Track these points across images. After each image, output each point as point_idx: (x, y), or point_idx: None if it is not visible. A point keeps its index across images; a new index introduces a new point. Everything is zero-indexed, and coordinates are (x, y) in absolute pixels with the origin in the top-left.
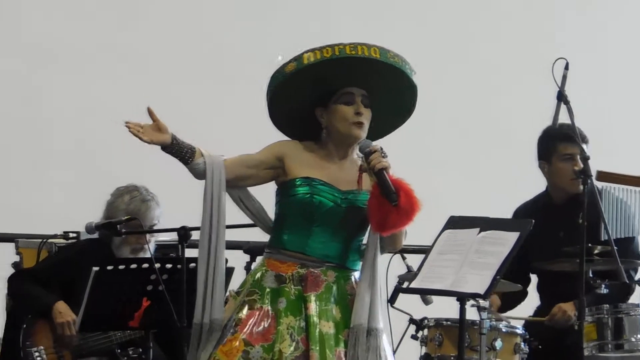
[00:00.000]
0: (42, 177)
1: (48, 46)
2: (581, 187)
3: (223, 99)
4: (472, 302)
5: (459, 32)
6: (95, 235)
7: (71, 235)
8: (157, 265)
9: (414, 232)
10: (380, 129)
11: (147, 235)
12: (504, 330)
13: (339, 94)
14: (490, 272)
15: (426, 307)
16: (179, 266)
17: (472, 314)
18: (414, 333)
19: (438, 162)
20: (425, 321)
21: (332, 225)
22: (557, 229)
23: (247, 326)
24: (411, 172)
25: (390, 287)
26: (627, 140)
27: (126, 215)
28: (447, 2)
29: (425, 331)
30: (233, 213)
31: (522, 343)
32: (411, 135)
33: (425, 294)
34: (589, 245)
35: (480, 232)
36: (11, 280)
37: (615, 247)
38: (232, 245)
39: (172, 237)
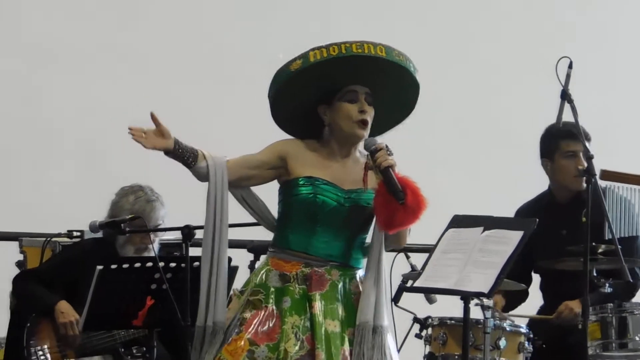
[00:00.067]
0: (45, 176)
1: (49, 46)
2: (584, 184)
3: (223, 98)
4: (476, 301)
5: (459, 32)
6: (99, 235)
7: (75, 234)
8: (161, 264)
9: (418, 231)
10: (379, 127)
11: (152, 235)
12: (508, 329)
13: (343, 91)
14: (494, 271)
15: (430, 306)
16: (183, 265)
17: (476, 313)
18: (418, 332)
19: (441, 161)
20: (429, 320)
21: (336, 224)
22: (560, 227)
23: (252, 326)
24: (414, 171)
25: (394, 286)
26: (631, 139)
27: (131, 215)
28: (447, 2)
29: (429, 330)
30: (237, 212)
31: (526, 342)
32: (414, 134)
33: (429, 293)
34: (593, 244)
35: (484, 231)
36: (15, 280)
37: (619, 246)
38: (235, 244)
39: (176, 236)
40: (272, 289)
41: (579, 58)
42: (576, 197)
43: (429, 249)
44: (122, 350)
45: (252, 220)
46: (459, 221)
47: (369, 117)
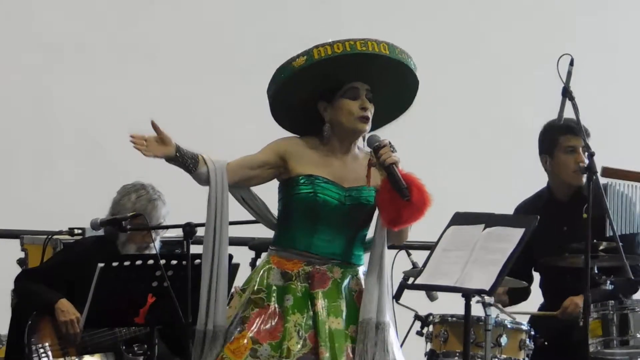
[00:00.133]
0: (46, 173)
1: (52, 44)
2: (584, 179)
3: (229, 97)
4: (477, 298)
5: (468, 31)
6: (101, 232)
7: (76, 231)
8: (163, 261)
9: (419, 228)
10: (375, 122)
11: (153, 233)
12: (509, 326)
13: (344, 88)
14: (496, 269)
15: (431, 303)
16: (184, 262)
17: (477, 310)
18: (419, 329)
19: (442, 158)
20: (431, 317)
21: (337, 223)
22: (561, 224)
23: (255, 324)
24: (416, 168)
25: (396, 283)
26: (632, 136)
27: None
28: (457, 2)
29: (431, 327)
30: (238, 209)
31: (528, 339)
32: (416, 131)
33: (431, 290)
34: (594, 241)
35: (485, 228)
36: (17, 280)
37: (620, 243)
38: (237, 242)
39: (178, 233)
40: (274, 287)
41: (581, 56)
42: (576, 193)
43: (430, 247)
44: (124, 348)
45: (253, 217)
46: (461, 218)
47: (370, 113)
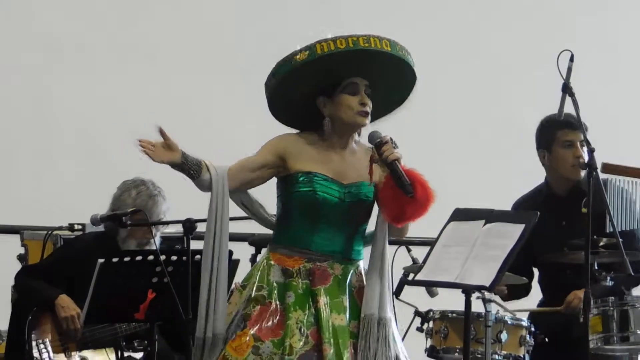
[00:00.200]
0: (47, 169)
1: (56, 44)
2: (582, 173)
3: (232, 96)
4: (477, 294)
5: (468, 31)
6: (101, 228)
7: (76, 227)
8: (163, 257)
9: (419, 224)
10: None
11: (153, 229)
12: (509, 322)
13: (344, 84)
14: (496, 265)
15: (431, 299)
16: (184, 258)
17: (477, 306)
18: (419, 325)
19: (444, 156)
20: (431, 313)
21: (337, 220)
22: (560, 219)
23: (256, 321)
24: (417, 164)
25: (396, 279)
26: (632, 132)
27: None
28: (457, 2)
29: (431, 323)
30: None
31: (528, 335)
32: (419, 129)
33: (431, 286)
34: (595, 237)
35: (485, 224)
36: (17, 276)
37: (620, 239)
38: (237, 237)
39: (178, 229)
40: (275, 285)
41: (581, 55)
42: (574, 187)
43: (430, 242)
44: (124, 343)
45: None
46: (461, 214)
47: (369, 108)
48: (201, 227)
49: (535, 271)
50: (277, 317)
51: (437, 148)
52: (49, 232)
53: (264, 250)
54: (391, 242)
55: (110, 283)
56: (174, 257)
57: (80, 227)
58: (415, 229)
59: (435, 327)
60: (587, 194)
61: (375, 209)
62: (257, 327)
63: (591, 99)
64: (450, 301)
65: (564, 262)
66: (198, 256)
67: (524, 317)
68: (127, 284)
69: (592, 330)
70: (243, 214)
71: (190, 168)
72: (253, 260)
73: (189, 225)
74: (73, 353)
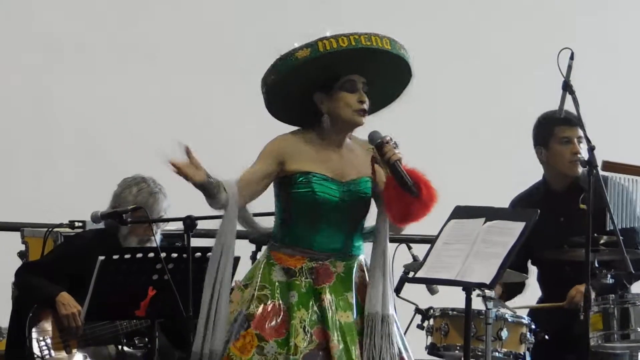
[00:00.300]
0: (47, 166)
1: (56, 44)
2: (580, 169)
3: (232, 96)
4: (478, 291)
5: (468, 31)
6: (102, 225)
7: (77, 224)
8: (163, 254)
9: (420, 222)
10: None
11: (154, 226)
12: (510, 320)
13: (342, 80)
14: (496, 262)
15: (432, 296)
16: (184, 255)
17: (478, 303)
18: (419, 323)
19: (444, 155)
20: (431, 311)
21: (338, 219)
22: (558, 215)
23: (260, 321)
24: (418, 164)
25: (396, 277)
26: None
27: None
28: (457, 2)
29: (431, 321)
30: None
31: (528, 333)
32: (419, 129)
33: (431, 284)
34: (595, 235)
35: (486, 221)
36: (18, 273)
37: (620, 237)
38: (237, 235)
39: (178, 226)
40: (277, 284)
41: (581, 55)
42: (572, 184)
43: (430, 240)
44: (124, 340)
45: (256, 210)
46: (461, 212)
47: (367, 106)
48: (201, 225)
49: (534, 269)
50: (281, 317)
51: (437, 148)
52: (50, 229)
53: (264, 248)
54: (391, 240)
55: (110, 280)
56: (175, 255)
57: (80, 224)
58: (416, 226)
59: (436, 324)
60: (587, 192)
61: (374, 207)
62: (260, 327)
63: (591, 98)
64: (451, 299)
65: (564, 259)
66: (198, 253)
67: (524, 315)
68: (128, 281)
69: (593, 327)
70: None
71: (213, 187)
72: (253, 257)
73: (190, 222)
74: (74, 350)
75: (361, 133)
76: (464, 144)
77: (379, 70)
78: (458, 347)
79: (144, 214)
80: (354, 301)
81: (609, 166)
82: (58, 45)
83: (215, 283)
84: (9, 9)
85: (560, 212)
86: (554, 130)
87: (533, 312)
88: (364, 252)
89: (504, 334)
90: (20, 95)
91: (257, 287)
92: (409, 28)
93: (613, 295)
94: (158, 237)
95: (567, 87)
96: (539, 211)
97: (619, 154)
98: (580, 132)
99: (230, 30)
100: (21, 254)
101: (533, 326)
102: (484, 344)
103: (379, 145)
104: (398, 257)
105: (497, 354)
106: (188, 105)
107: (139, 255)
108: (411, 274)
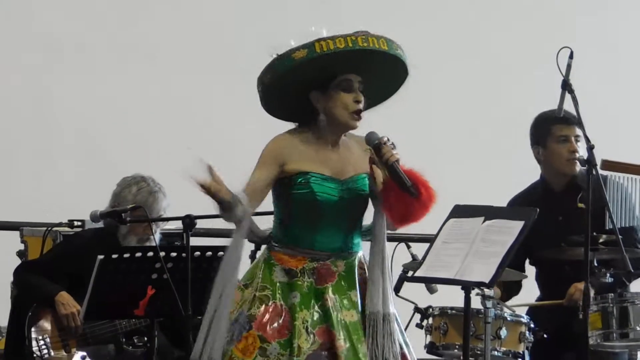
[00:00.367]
0: (46, 165)
1: (56, 44)
2: (577, 167)
3: (232, 96)
4: (477, 290)
5: (468, 31)
6: (101, 225)
7: (76, 223)
8: (162, 253)
9: (419, 221)
10: None
11: (153, 225)
12: (509, 319)
13: (338, 80)
14: (495, 261)
15: (431, 295)
16: (183, 255)
17: (477, 302)
18: (418, 322)
19: (444, 155)
20: (430, 310)
21: (338, 218)
22: (556, 214)
23: (262, 322)
24: (417, 164)
25: (395, 276)
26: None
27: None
28: (457, 2)
29: (430, 320)
30: None
31: (527, 332)
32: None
33: (430, 283)
34: (594, 234)
35: (485, 220)
36: (16, 271)
37: (620, 236)
38: None
39: (177, 225)
40: (279, 284)
41: (581, 55)
42: (570, 182)
43: (429, 239)
44: (124, 340)
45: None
46: (460, 211)
47: (362, 106)
48: (200, 224)
49: (532, 268)
50: (283, 318)
51: (437, 147)
52: (49, 228)
53: (263, 247)
54: (391, 239)
55: (109, 279)
56: (174, 254)
57: (79, 223)
58: (415, 225)
59: (435, 323)
60: (586, 191)
61: (372, 207)
62: (262, 328)
63: (591, 98)
64: (450, 298)
65: (563, 259)
66: (197, 252)
67: (523, 314)
68: (127, 280)
69: (592, 326)
70: None
71: (232, 202)
72: (253, 256)
73: (189, 221)
74: (73, 349)
75: (358, 131)
76: (464, 143)
77: (375, 69)
78: (457, 346)
79: (143, 213)
80: (358, 299)
81: (608, 165)
82: (58, 45)
83: (221, 298)
84: (9, 9)
85: (559, 212)
86: (551, 129)
87: (532, 311)
88: (362, 248)
89: (503, 332)
90: (20, 95)
91: (258, 288)
92: (409, 28)
93: (612, 294)
94: (157, 236)
95: (566, 86)
96: (538, 210)
97: (619, 154)
98: (578, 131)
99: (230, 30)
100: (20, 253)
101: (532, 325)
102: (483, 343)
103: (376, 147)
104: (397, 256)
105: (496, 352)
106: (188, 105)
107: (138, 254)
108: (410, 273)
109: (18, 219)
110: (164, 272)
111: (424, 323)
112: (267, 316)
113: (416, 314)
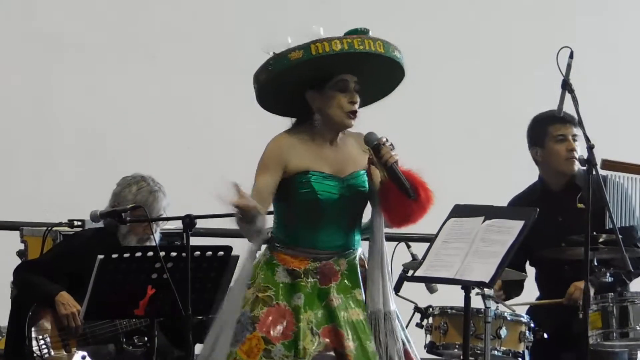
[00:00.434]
0: (46, 165)
1: (56, 44)
2: (576, 167)
3: (232, 96)
4: (477, 290)
5: (468, 31)
6: (101, 224)
7: (76, 223)
8: (162, 253)
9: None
10: None
11: (153, 225)
12: (509, 318)
13: (334, 80)
14: (495, 260)
15: (431, 295)
16: (183, 254)
17: (477, 302)
18: (418, 321)
19: (444, 155)
20: (430, 309)
21: (339, 216)
22: (556, 214)
23: (265, 324)
24: (417, 164)
25: (395, 275)
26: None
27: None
28: (457, 2)
29: (430, 319)
30: None
31: (527, 331)
32: (418, 129)
33: (430, 282)
34: (594, 233)
35: (485, 220)
36: (16, 271)
37: (619, 236)
38: (236, 234)
39: (177, 225)
40: (281, 285)
41: (581, 55)
42: (569, 182)
43: (429, 239)
44: (124, 340)
45: None
46: (460, 211)
47: (357, 107)
48: (200, 224)
49: (532, 268)
50: (287, 319)
51: (437, 147)
52: (49, 228)
53: (263, 247)
54: (391, 239)
55: (109, 279)
56: (174, 253)
57: (79, 223)
58: (415, 225)
59: (435, 323)
60: (586, 190)
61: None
62: (266, 329)
63: (591, 98)
64: (450, 297)
65: (562, 258)
66: (197, 252)
67: (523, 313)
68: (127, 280)
69: (592, 326)
70: None
71: (257, 216)
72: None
73: (189, 221)
74: (73, 349)
75: (356, 128)
76: (464, 143)
77: (372, 70)
78: (457, 346)
79: (143, 212)
80: (363, 297)
81: (608, 165)
82: (58, 45)
83: (231, 307)
84: (9, 8)
85: (558, 212)
86: (548, 129)
87: (532, 311)
88: (362, 245)
89: (503, 332)
90: (20, 95)
91: (260, 288)
92: (409, 28)
93: (612, 294)
94: (157, 236)
95: (566, 86)
96: (538, 210)
97: (619, 154)
98: (575, 130)
99: (230, 30)
100: (20, 253)
101: (532, 325)
102: (483, 343)
103: (375, 147)
104: (397, 255)
105: (496, 352)
106: (188, 105)
107: (138, 254)
108: (410, 273)
109: (18, 219)
110: (164, 272)
111: (424, 323)
112: (270, 317)
113: (416, 313)
